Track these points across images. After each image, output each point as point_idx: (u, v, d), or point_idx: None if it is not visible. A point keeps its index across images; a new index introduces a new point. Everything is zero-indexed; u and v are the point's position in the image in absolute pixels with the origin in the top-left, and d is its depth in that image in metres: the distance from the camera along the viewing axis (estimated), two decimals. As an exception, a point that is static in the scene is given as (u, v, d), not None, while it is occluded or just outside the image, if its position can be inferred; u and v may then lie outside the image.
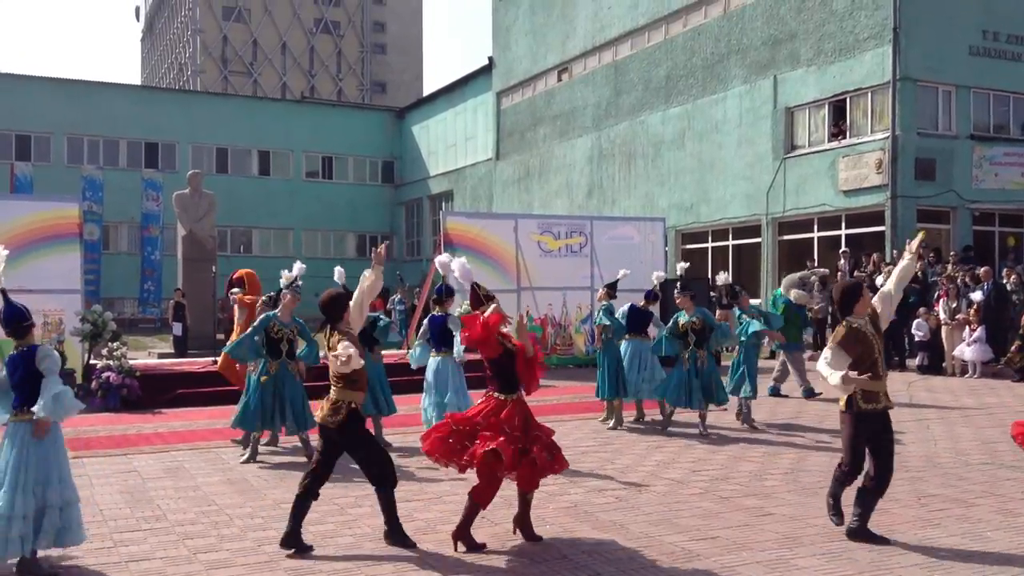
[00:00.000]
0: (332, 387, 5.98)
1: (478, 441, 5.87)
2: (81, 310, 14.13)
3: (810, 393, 13.29)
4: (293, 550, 5.81)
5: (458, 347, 9.12)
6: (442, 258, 7.95)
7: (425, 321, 9.62)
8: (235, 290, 11.39)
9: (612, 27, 28.81)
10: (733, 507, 6.89)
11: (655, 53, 27.12)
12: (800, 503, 7.00)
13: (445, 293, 9.38)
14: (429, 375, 9.36)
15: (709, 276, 22.72)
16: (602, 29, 29.28)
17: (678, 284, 11.37)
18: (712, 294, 20.03)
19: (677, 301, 10.63)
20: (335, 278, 9.15)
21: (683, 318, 10.47)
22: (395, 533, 6.01)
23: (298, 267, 9.46)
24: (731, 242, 24.90)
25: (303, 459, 8.93)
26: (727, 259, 24.57)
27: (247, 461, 8.83)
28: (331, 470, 6.11)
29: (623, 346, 11.22)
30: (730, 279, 11.84)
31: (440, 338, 9.28)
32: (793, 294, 14.37)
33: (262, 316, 9.07)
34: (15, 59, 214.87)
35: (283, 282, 9.32)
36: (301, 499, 5.96)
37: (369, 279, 6.23)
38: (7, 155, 35.53)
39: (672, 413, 10.77)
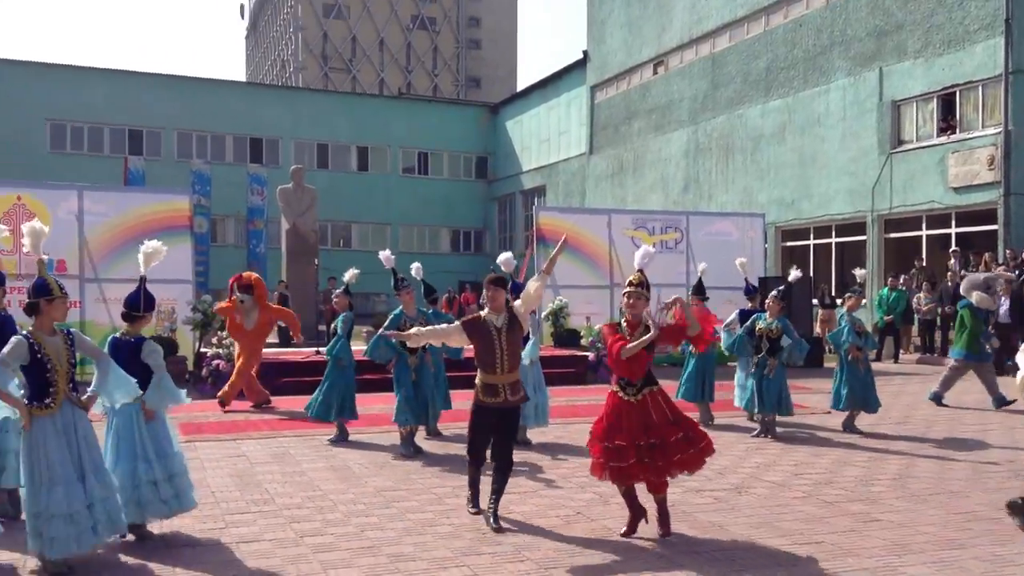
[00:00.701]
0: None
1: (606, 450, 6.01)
2: (192, 300, 14.70)
3: (1002, 402, 12.31)
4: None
5: (531, 347, 9.07)
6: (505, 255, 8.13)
7: None
8: (244, 296, 11.65)
9: (710, 19, 28.35)
10: (838, 512, 6.73)
11: (754, 45, 26.57)
12: (909, 510, 6.78)
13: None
14: None
15: (811, 274, 22.23)
16: (699, 21, 28.84)
17: (778, 289, 11.02)
18: (815, 296, 19.59)
19: (767, 304, 10.42)
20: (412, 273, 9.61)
21: (762, 322, 10.26)
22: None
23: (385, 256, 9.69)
24: (834, 239, 24.23)
25: (398, 447, 9.10)
26: (829, 257, 23.94)
27: (407, 455, 8.84)
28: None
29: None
30: (799, 274, 11.32)
31: None
32: (975, 297, 12.58)
33: (392, 315, 9.24)
34: (130, 57, 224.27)
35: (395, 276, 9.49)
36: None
37: (535, 286, 6.58)
38: (121, 149, 37.15)
39: (762, 419, 10.56)
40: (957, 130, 20.60)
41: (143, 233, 14.61)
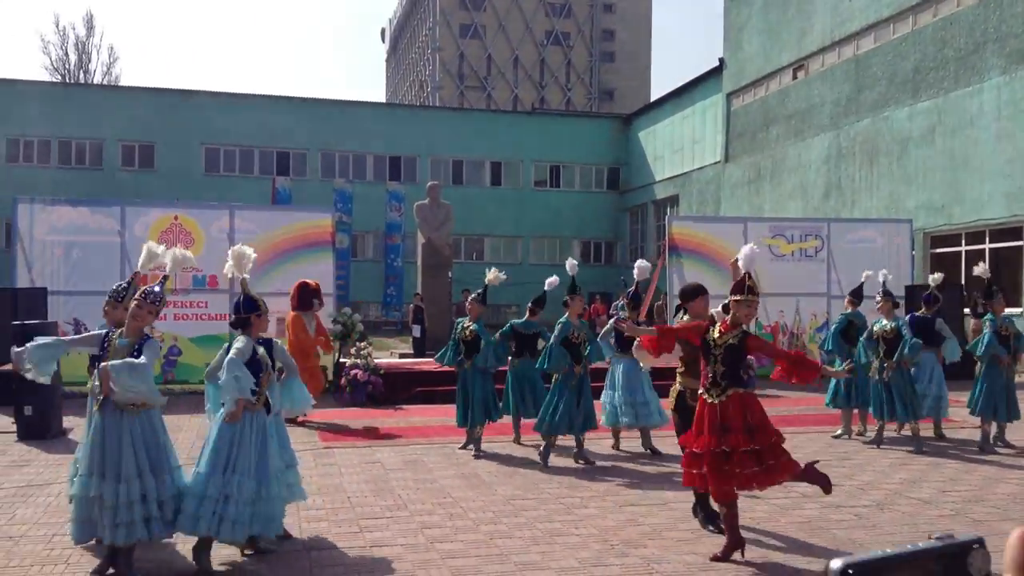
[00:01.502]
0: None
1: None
2: (333, 312, 15.27)
3: None
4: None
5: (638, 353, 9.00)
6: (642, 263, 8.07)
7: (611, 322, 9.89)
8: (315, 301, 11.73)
9: (853, 20, 27.33)
10: (987, 531, 6.33)
11: (901, 45, 25.43)
12: (1069, 532, 6.31)
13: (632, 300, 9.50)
14: (617, 375, 9.71)
15: (963, 281, 21.07)
16: (842, 23, 27.85)
17: (883, 289, 10.57)
18: (967, 305, 18.50)
19: (878, 307, 10.11)
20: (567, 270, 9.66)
21: (879, 325, 9.99)
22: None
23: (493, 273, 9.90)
24: (987, 245, 22.84)
25: (533, 457, 9.16)
26: (984, 264, 22.60)
27: (580, 461, 9.05)
28: None
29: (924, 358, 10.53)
30: (988, 272, 10.56)
31: (625, 341, 9.28)
32: None
33: (560, 325, 9.18)
34: (278, 83, 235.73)
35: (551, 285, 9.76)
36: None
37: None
38: (269, 170, 39.06)
39: (881, 428, 10.13)
40: None
41: (288, 249, 15.44)
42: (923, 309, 10.82)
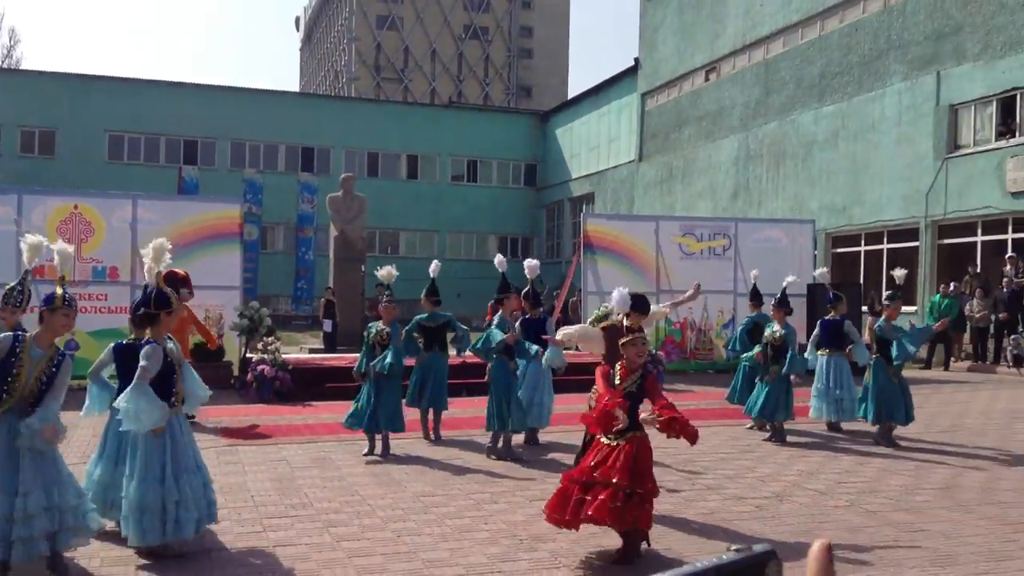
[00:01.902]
0: None
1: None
2: (239, 306, 14.94)
3: None
4: None
5: (551, 354, 8.97)
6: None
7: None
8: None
9: (764, 24, 28.04)
10: (881, 522, 6.58)
11: (808, 50, 26.21)
12: (955, 520, 6.60)
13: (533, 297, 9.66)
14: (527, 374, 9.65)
15: (861, 281, 21.85)
16: (753, 27, 28.55)
17: (832, 295, 10.89)
18: (864, 303, 19.15)
19: (772, 312, 10.51)
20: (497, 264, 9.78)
21: (769, 329, 10.38)
22: None
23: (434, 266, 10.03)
24: (885, 246, 23.75)
25: (442, 456, 9.13)
26: (881, 263, 23.46)
27: (500, 457, 8.96)
28: None
29: (821, 361, 10.81)
30: (903, 279, 10.65)
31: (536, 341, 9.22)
32: None
33: (497, 321, 9.23)
34: (186, 69, 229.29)
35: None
36: None
37: (659, 310, 7.07)
38: (176, 159, 37.99)
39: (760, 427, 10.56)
40: (1017, 134, 20.06)
41: (195, 241, 15.01)
42: (831, 312, 11.03)
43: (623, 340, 5.87)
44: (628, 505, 5.47)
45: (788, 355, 10.02)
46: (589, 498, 5.51)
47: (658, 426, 5.56)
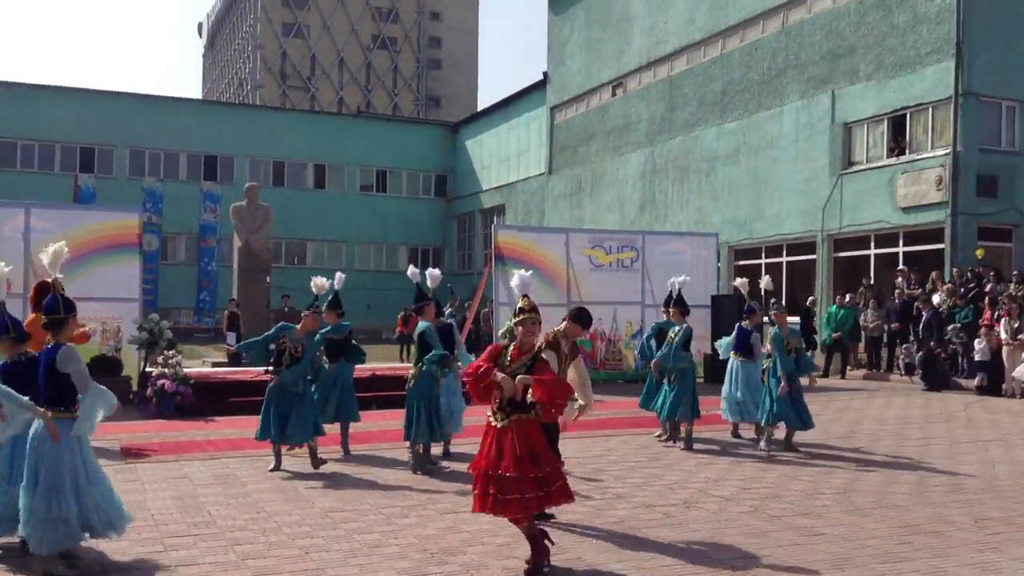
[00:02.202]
0: None
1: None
2: (139, 318, 14.45)
3: None
4: None
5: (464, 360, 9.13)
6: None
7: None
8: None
9: (668, 42, 28.71)
10: (783, 526, 6.76)
11: (711, 68, 26.94)
12: (852, 523, 6.84)
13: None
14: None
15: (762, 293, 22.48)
16: (658, 44, 29.19)
17: (670, 297, 11.29)
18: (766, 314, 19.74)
19: (671, 314, 10.96)
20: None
21: (671, 330, 10.83)
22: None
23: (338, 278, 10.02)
24: (785, 258, 24.55)
25: (352, 471, 8.99)
26: (780, 275, 24.24)
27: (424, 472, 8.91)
28: None
29: (734, 364, 11.14)
30: (771, 285, 11.12)
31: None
32: None
33: (425, 329, 9.11)
34: (82, 74, 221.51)
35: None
36: None
37: (571, 374, 6.89)
38: (71, 167, 36.62)
39: (675, 427, 10.86)
40: (907, 151, 21.01)
41: (92, 251, 14.46)
42: (746, 321, 11.30)
43: (515, 320, 5.89)
44: (527, 493, 5.52)
45: (794, 357, 10.21)
46: (495, 492, 5.54)
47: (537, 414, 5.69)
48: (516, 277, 6.39)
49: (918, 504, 7.52)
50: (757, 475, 8.81)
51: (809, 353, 12.36)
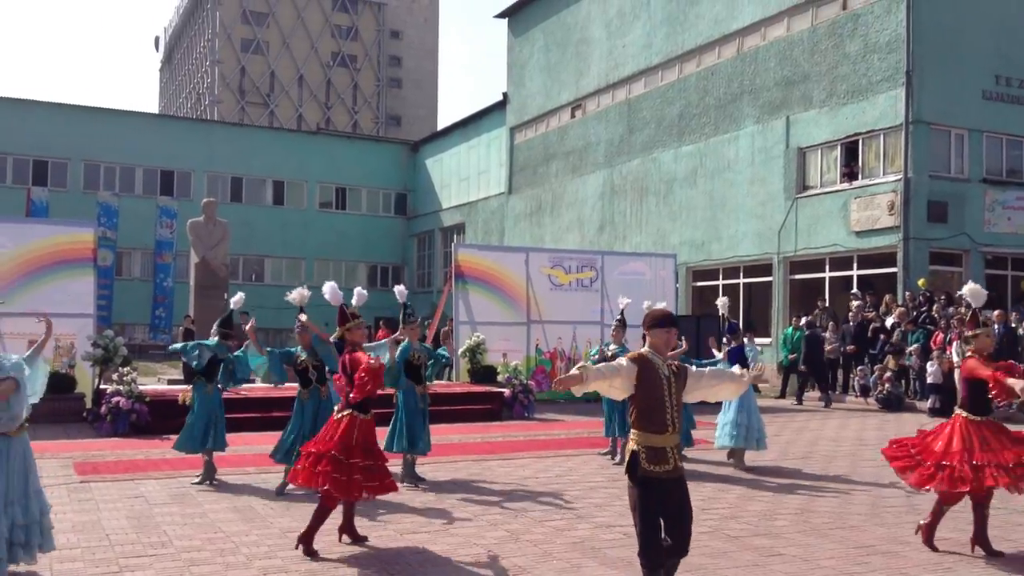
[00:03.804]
0: None
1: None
2: (93, 335, 14.19)
3: None
4: None
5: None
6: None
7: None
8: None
9: (626, 65, 29.06)
10: (742, 547, 6.83)
11: (668, 92, 27.32)
12: (810, 544, 6.93)
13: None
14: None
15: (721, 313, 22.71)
16: (616, 67, 29.54)
17: (617, 318, 11.49)
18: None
19: (612, 332, 11.33)
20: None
21: (608, 349, 11.02)
22: None
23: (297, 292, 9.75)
24: (742, 280, 24.88)
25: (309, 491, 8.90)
26: (738, 297, 24.57)
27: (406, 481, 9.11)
28: None
29: None
30: (726, 307, 11.18)
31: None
32: None
33: (401, 348, 9.34)
34: (35, 86, 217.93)
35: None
36: None
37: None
38: (24, 180, 35.93)
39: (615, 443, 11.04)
40: (859, 176, 21.47)
41: (44, 266, 14.22)
42: (731, 342, 11.42)
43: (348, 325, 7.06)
44: (332, 469, 6.43)
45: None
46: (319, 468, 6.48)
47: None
48: (326, 286, 7.33)
49: (874, 524, 7.64)
50: (716, 495, 8.89)
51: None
